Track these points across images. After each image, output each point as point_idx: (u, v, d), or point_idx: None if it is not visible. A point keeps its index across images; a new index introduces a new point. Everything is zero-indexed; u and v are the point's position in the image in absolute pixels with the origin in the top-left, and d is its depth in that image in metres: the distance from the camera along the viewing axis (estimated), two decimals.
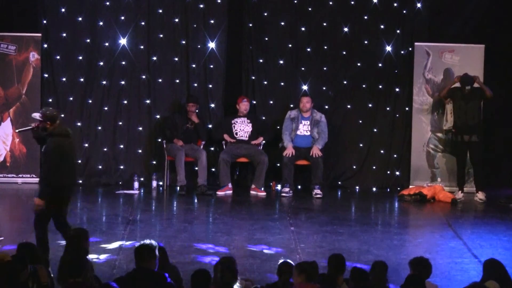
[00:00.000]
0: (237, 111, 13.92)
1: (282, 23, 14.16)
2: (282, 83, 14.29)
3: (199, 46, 14.11)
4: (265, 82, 14.31)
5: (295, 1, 14.08)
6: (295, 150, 13.60)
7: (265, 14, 14.14)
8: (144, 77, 14.11)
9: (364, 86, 14.27)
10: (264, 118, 14.27)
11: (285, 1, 14.13)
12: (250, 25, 14.18)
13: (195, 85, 14.18)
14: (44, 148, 9.14)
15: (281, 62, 14.24)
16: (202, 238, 10.84)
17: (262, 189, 13.62)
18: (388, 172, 14.34)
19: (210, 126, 14.20)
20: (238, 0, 14.18)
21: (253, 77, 14.29)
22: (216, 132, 14.09)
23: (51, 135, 9.13)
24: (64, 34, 13.95)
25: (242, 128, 13.89)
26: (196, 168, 13.60)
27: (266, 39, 14.21)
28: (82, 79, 14.00)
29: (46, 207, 9.07)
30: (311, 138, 13.71)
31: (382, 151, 14.33)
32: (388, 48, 14.14)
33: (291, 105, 14.07)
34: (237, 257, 8.06)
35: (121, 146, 14.17)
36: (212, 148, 14.15)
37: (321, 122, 13.72)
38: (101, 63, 14.03)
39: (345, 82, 14.27)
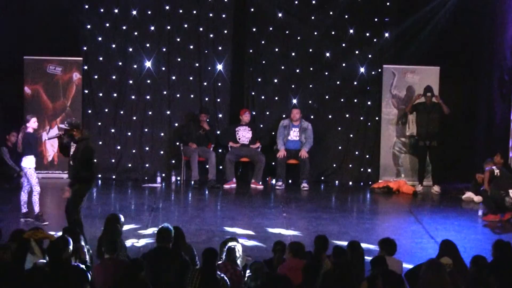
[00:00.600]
0: (240, 121, 13.85)
1: (276, 49, 14.10)
2: (276, 98, 14.23)
3: (209, 68, 14.04)
4: (263, 97, 14.24)
5: (287, 32, 14.01)
6: (286, 152, 13.56)
7: (263, 42, 14.07)
8: (165, 92, 14.05)
9: (342, 100, 14.20)
10: (261, 126, 14.19)
11: (278, 31, 14.03)
12: (251, 51, 14.11)
13: (206, 99, 14.12)
14: (77, 150, 9.06)
15: (275, 80, 14.17)
16: (211, 223, 10.81)
17: (260, 183, 13.56)
18: (362, 169, 14.26)
19: (218, 132, 14.12)
20: (241, 31, 14.09)
21: (253, 93, 14.22)
22: (223, 138, 14.02)
23: (81, 140, 9.08)
24: (101, 58, 13.92)
25: (244, 134, 13.81)
26: (207, 166, 13.54)
27: (263, 62, 14.14)
28: (115, 94, 13.96)
29: (79, 195, 9.04)
30: (300, 142, 13.64)
31: (357, 153, 14.26)
32: (362, 70, 14.07)
33: (284, 116, 13.98)
34: (240, 238, 8.04)
35: (147, 148, 14.11)
36: (220, 150, 14.05)
37: (308, 129, 13.66)
38: (131, 82, 13.99)
39: (327, 97, 14.20)
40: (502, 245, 7.15)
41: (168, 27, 13.93)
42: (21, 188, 10.62)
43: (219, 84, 14.09)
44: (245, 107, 14.06)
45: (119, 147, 14.04)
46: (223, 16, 13.95)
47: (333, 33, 14.02)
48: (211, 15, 13.95)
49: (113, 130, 14.01)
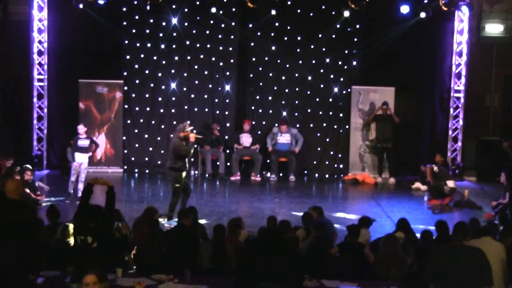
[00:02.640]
0: (243, 129, 13.82)
1: (270, 74, 14.03)
2: (270, 111, 14.13)
3: (219, 88, 13.98)
4: (260, 110, 14.16)
5: (278, 61, 13.95)
6: (279, 152, 13.51)
7: (260, 68, 14.00)
8: (186, 107, 13.97)
9: (320, 113, 14.10)
10: (259, 132, 14.10)
11: (272, 60, 13.92)
12: (251, 75, 14.04)
13: (217, 112, 14.06)
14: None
15: (270, 98, 14.08)
16: (221, 206, 10.82)
17: (258, 175, 13.54)
18: (335, 165, 14.17)
19: (226, 137, 14.05)
20: (244, 60, 14.00)
21: (253, 107, 14.16)
22: (230, 141, 13.96)
23: None
24: (137, 81, 13.84)
25: (246, 139, 13.77)
26: (218, 163, 13.50)
27: (261, 84, 14.06)
28: (148, 108, 13.89)
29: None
30: (289, 145, 13.56)
31: (331, 152, 14.19)
32: (335, 89, 13.99)
33: (275, 125, 13.89)
34: (243, 217, 8.04)
35: None
36: (228, 151, 13.96)
37: (297, 134, 13.63)
38: (160, 99, 13.90)
39: (309, 110, 14.11)
40: (441, 224, 7.25)
41: (188, 57, 13.87)
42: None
43: (227, 100, 14.04)
44: (247, 118, 14.02)
45: (151, 149, 13.98)
46: (230, 49, 13.90)
47: (313, 61, 13.95)
48: (221, 48, 13.90)
49: (146, 136, 13.94)
